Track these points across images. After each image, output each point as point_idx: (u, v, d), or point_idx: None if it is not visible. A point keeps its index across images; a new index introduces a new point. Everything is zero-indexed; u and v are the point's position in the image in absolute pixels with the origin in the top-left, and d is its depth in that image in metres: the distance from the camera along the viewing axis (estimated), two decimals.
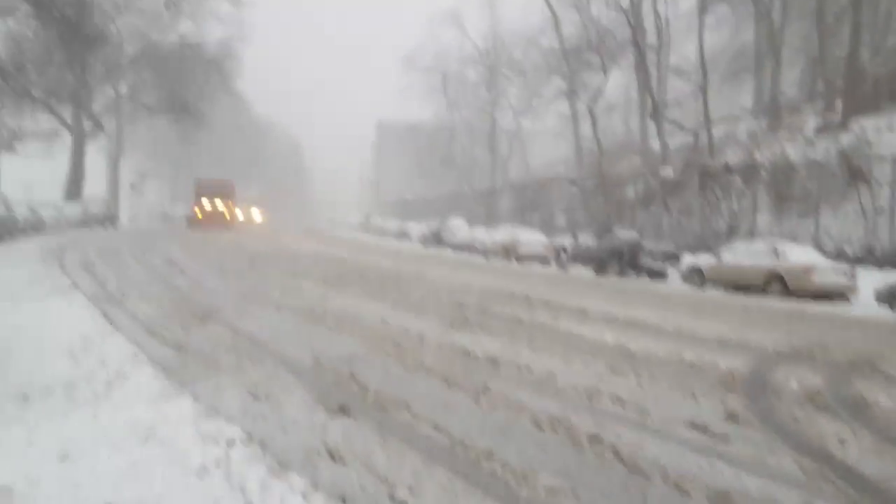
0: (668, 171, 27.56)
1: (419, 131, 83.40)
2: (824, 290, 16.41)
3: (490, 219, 48.54)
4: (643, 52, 43.72)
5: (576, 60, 46.50)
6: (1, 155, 36.83)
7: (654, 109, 37.34)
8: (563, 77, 55.78)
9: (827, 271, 16.51)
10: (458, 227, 37.83)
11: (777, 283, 16.94)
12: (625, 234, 23.52)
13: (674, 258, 21.86)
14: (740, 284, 17.86)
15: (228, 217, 42.97)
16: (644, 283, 19.94)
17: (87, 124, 43.50)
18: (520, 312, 10.06)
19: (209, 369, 6.01)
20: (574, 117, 52.27)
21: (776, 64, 37.11)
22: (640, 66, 45.57)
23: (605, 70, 42.89)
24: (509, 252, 27.86)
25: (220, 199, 42.82)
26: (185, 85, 46.31)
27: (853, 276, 16.56)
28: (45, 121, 39.54)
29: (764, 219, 25.02)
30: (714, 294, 17.16)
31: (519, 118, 65.46)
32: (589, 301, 12.24)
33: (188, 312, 9.01)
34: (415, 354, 6.81)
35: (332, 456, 4.04)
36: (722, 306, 13.62)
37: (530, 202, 45.52)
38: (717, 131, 36.85)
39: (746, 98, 48.86)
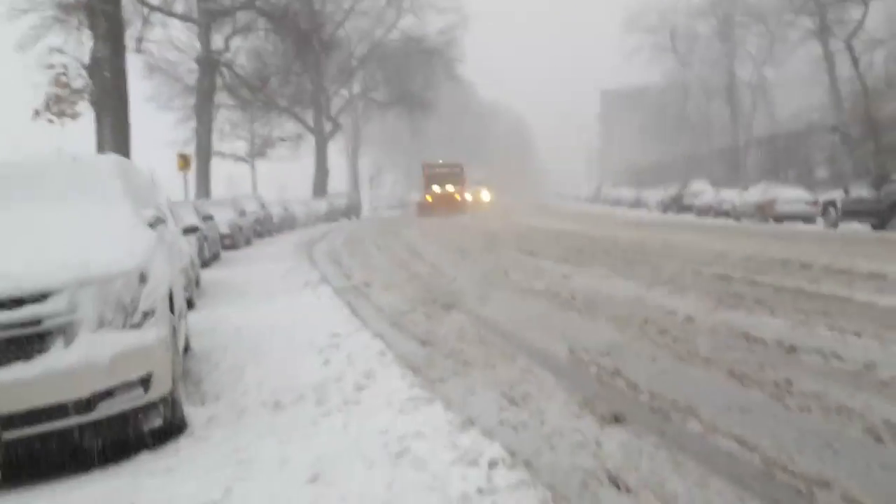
0: None
1: (647, 95, 79.53)
2: None
3: (735, 178, 44.80)
4: None
5: None
6: (256, 161, 40.46)
7: None
8: (810, 15, 49.98)
9: None
10: (701, 190, 35.17)
11: None
12: None
13: None
14: None
15: (459, 200, 41.58)
16: None
17: (327, 125, 46.54)
18: (801, 283, 8.53)
19: (458, 366, 5.45)
20: (828, 59, 46.51)
21: None
22: None
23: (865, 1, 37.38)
24: (765, 211, 25.19)
25: (450, 182, 41.70)
26: (411, 77, 47.86)
27: None
28: (290, 127, 42.91)
29: None
30: None
31: (761, 68, 59.83)
32: (881, 263, 10.26)
33: (430, 300, 8.67)
34: (686, 342, 5.77)
35: (616, 483, 3.23)
36: None
37: (783, 156, 41.30)
38: None
39: None
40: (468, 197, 42.72)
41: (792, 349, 5.31)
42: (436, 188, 41.05)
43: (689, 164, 60.39)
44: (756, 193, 26.73)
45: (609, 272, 10.58)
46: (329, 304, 8.70)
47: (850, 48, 35.81)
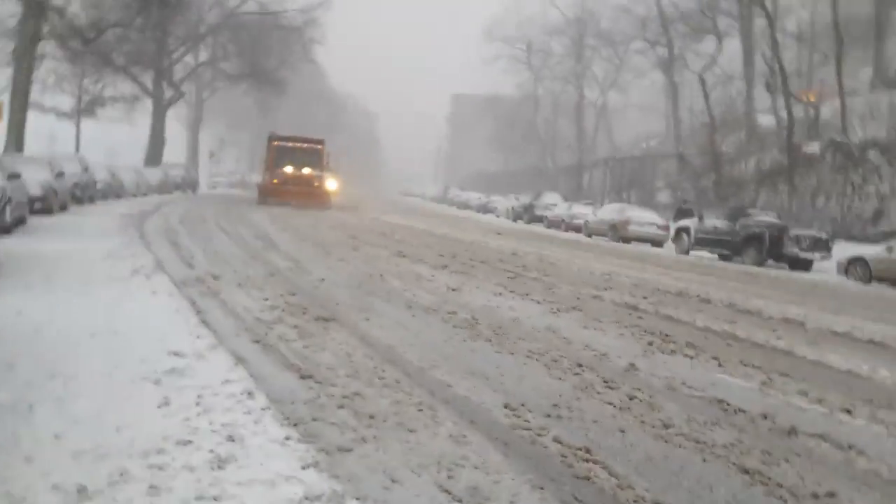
0: (812, 147, 24.35)
1: (498, 103, 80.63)
2: None
3: (579, 194, 45.80)
4: (750, 15, 40.04)
5: (683, 27, 42.97)
6: (82, 120, 36.03)
7: (777, 79, 33.63)
8: (657, 46, 52.23)
9: None
10: (553, 203, 35.30)
11: None
12: (764, 216, 20.66)
13: (824, 246, 18.93)
14: None
15: (318, 188, 29.49)
16: (796, 275, 17.20)
17: (167, 91, 42.53)
18: (721, 324, 7.67)
19: (361, 424, 3.86)
20: (672, 89, 48.72)
21: None
22: (748, 32, 41.92)
23: (719, 36, 39.25)
24: (618, 231, 25.26)
25: (307, 164, 29.39)
26: (266, 53, 44.82)
27: None
28: (125, 87, 38.64)
29: None
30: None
31: (606, 91, 62.11)
32: (777, 304, 9.77)
33: (300, 307, 6.97)
34: (650, 406, 4.52)
35: None
36: None
37: (628, 178, 42.58)
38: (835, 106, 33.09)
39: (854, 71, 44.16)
40: (331, 186, 30.55)
41: (792, 431, 4.17)
42: (288, 169, 28.83)
43: (534, 176, 61.60)
44: (610, 213, 26.86)
45: (499, 288, 9.32)
46: (168, 302, 6.73)
47: (702, 81, 37.31)
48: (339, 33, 54.44)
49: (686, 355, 6.01)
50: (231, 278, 8.59)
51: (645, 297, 9.32)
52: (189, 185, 41.25)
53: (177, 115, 51.73)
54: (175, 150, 48.49)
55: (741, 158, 34.32)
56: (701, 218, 21.84)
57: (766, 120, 42.04)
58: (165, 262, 9.57)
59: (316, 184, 29.31)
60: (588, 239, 25.80)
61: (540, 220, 34.29)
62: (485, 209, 47.48)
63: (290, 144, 30.15)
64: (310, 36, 46.94)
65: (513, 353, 5.71)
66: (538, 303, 8.35)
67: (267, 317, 6.51)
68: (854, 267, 16.62)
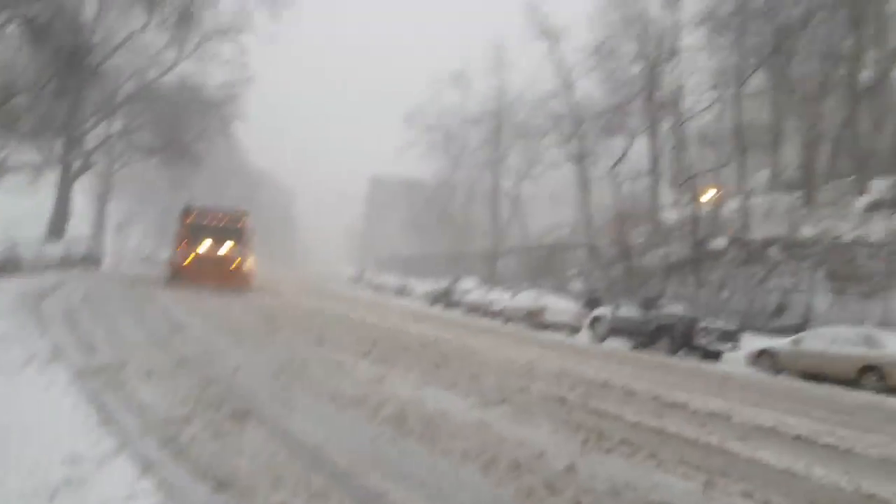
0: (719, 242, 25.41)
1: (415, 188, 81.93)
2: None
3: (493, 279, 46.24)
4: (656, 116, 42.40)
5: (594, 124, 44.99)
6: None
7: (682, 177, 35.42)
8: (568, 141, 54.49)
9: None
10: (470, 288, 35.39)
11: (873, 375, 14.60)
12: (674, 307, 21.20)
13: (732, 338, 19.47)
14: (825, 374, 15.51)
15: (236, 270, 26.47)
16: (708, 366, 17.52)
17: (76, 161, 41.01)
18: (651, 419, 7.58)
19: None
20: (583, 182, 50.61)
21: (813, 139, 35.32)
22: (655, 132, 44.27)
23: (631, 135, 41.17)
24: (535, 318, 25.41)
25: (227, 239, 26.52)
26: (183, 126, 44.11)
27: None
28: (31, 154, 37.04)
29: (821, 300, 22.80)
30: (810, 386, 14.71)
31: (521, 181, 63.95)
32: (700, 396, 9.81)
33: (214, 401, 6.47)
34: None
35: None
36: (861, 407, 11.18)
37: (542, 266, 43.34)
38: (736, 204, 35.02)
39: (752, 173, 47.13)
40: (249, 266, 27.46)
41: None
42: (204, 247, 25.97)
43: (449, 261, 62.12)
44: (527, 300, 27.07)
45: (424, 378, 9.01)
46: (65, 397, 6.11)
47: (613, 176, 38.83)
48: (259, 109, 54.34)
49: (623, 454, 5.83)
50: (137, 367, 7.97)
51: (571, 389, 9.18)
52: (93, 260, 39.42)
53: (84, 186, 49.88)
54: (81, 223, 46.51)
55: (649, 250, 35.57)
56: (616, 307, 22.22)
57: (670, 215, 44.13)
58: (64, 349, 8.84)
59: (234, 265, 26.20)
60: (506, 326, 25.82)
61: (457, 304, 34.26)
62: (402, 292, 47.26)
63: (209, 218, 26.64)
64: (229, 111, 46.65)
65: (447, 454, 5.39)
66: (465, 395, 8.07)
67: (177, 413, 5.99)
68: (763, 358, 17.11)
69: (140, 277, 32.23)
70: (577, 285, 38.08)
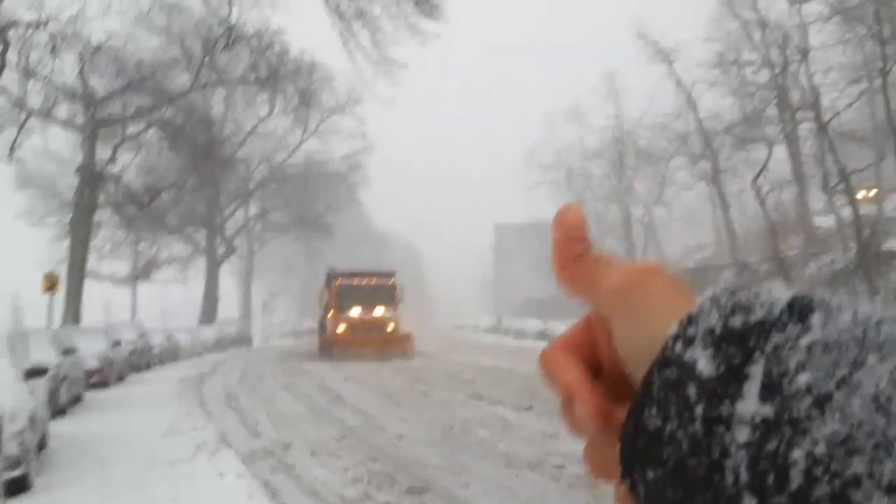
0: (892, 243, 23.09)
1: (542, 229, 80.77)
2: None
3: None
4: (793, 119, 39.92)
5: (725, 138, 42.96)
6: (138, 284, 36.60)
7: (833, 179, 32.83)
8: (698, 160, 52.31)
9: None
10: None
11: None
12: None
13: None
14: None
15: (393, 334, 23.76)
16: None
17: (219, 247, 43.37)
18: None
19: None
20: (722, 200, 48.25)
21: None
22: (793, 138, 41.64)
23: (770, 143, 38.88)
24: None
25: (378, 302, 24.03)
26: (312, 201, 45.94)
27: None
28: (179, 247, 39.53)
29: None
30: None
31: (652, 207, 61.90)
32: None
33: (384, 477, 6.08)
34: None
35: None
36: None
37: (692, 292, 41.20)
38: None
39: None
40: (406, 328, 24.73)
41: None
42: (354, 311, 23.46)
43: None
44: None
45: None
46: (238, 485, 5.89)
47: (756, 189, 36.63)
48: (380, 171, 55.84)
49: None
50: (302, 445, 7.74)
51: None
52: (244, 339, 41.22)
53: (228, 270, 52.71)
54: (228, 305, 48.99)
55: (804, 262, 33.06)
56: None
57: (823, 221, 41.02)
58: (229, 433, 8.79)
59: (391, 328, 23.76)
60: None
61: None
62: (543, 336, 46.31)
63: (356, 281, 24.16)
64: (353, 180, 48.17)
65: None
66: None
67: (351, 493, 5.61)
68: None
69: (291, 351, 33.22)
70: None
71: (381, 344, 22.48)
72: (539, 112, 68.40)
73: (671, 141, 53.45)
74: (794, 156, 40.48)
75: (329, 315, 24.09)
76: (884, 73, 30.10)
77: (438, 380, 15.04)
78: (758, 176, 38.85)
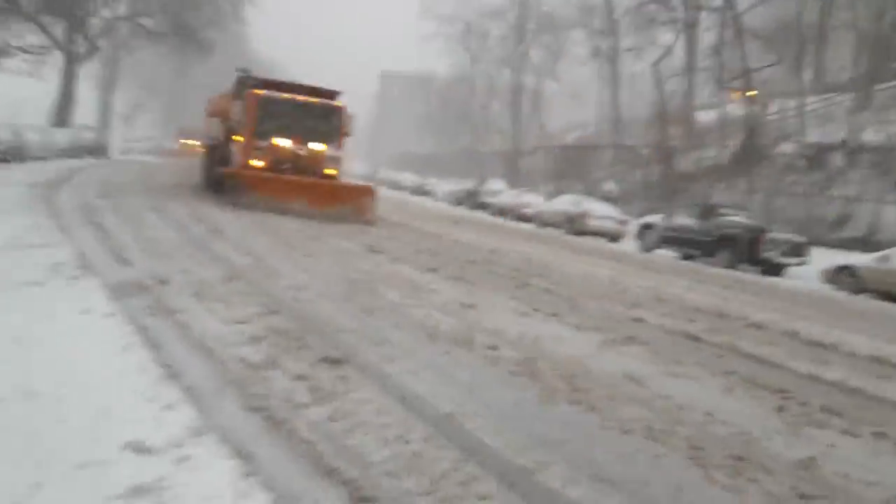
0: (773, 145, 23.46)
1: (429, 84, 78.82)
2: None
3: (516, 181, 44.45)
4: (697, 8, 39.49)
5: (631, 17, 41.97)
6: None
7: (727, 75, 32.97)
8: (600, 35, 51.44)
9: None
10: (499, 190, 33.77)
11: None
12: (736, 216, 19.61)
13: (800, 251, 18.02)
14: None
15: (333, 183, 16.07)
16: (787, 282, 16.21)
17: (81, 45, 38.62)
18: (822, 368, 6.18)
19: None
20: (615, 80, 47.97)
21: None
22: (691, 26, 41.33)
23: (681, 27, 38.31)
24: (574, 224, 23.94)
25: (316, 136, 16.06)
26: (192, 11, 41.42)
27: None
28: (34, 38, 34.71)
29: (891, 211, 21.18)
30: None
31: (543, 78, 61.04)
32: (839, 331, 8.43)
33: (290, 338, 5.06)
34: None
35: None
36: None
37: (568, 168, 41.41)
38: (786, 105, 32.76)
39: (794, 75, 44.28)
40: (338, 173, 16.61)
41: None
42: (282, 141, 15.70)
43: (467, 160, 60.11)
44: (566, 204, 25.49)
45: (519, 304, 7.59)
46: (108, 332, 4.69)
47: (657, 72, 36.40)
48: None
49: (843, 431, 4.42)
50: (183, 283, 6.53)
51: (690, 321, 7.77)
52: (100, 150, 37.67)
53: (88, 74, 47.51)
54: (85, 113, 44.52)
55: (685, 153, 33.66)
56: (669, 215, 20.69)
57: (706, 116, 41.81)
58: (91, 256, 7.37)
59: (333, 172, 16.24)
60: (543, 231, 24.39)
61: (483, 206, 32.75)
62: (420, 191, 45.64)
63: (287, 96, 15.99)
64: None
65: (626, 432, 3.98)
66: (579, 329, 6.66)
67: (254, 357, 4.56)
68: (842, 276, 15.70)
69: (154, 166, 30.55)
70: (609, 188, 36.31)
71: (325, 195, 14.89)
72: None
73: (576, 10, 52.23)
74: (691, 46, 40.46)
75: (236, 140, 16.14)
76: None
77: (322, 225, 13.76)
78: (660, 59, 38.64)
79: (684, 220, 19.93)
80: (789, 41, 35.06)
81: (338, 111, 16.43)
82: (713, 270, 16.78)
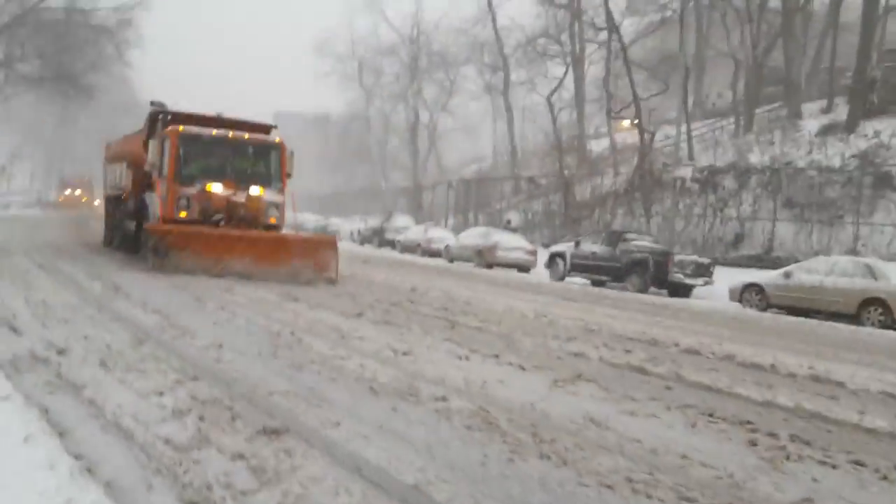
0: (686, 171, 24.32)
1: (324, 123, 78.41)
2: None
3: (420, 216, 44.37)
4: (583, 44, 40.99)
5: (522, 51, 43.00)
6: None
7: (616, 106, 34.19)
8: (487, 70, 52.58)
9: None
10: (405, 225, 33.48)
11: (876, 308, 13.80)
12: (642, 241, 20.03)
13: (706, 272, 18.52)
14: (821, 309, 14.66)
15: (276, 235, 13.48)
16: (702, 304, 16.51)
17: None
18: (767, 392, 6.11)
19: None
20: (509, 113, 48.90)
21: (752, 66, 34.49)
22: (579, 59, 42.78)
23: (568, 60, 39.50)
24: (484, 256, 23.89)
25: (254, 175, 13.63)
26: (73, 55, 39.55)
27: None
28: None
29: (784, 228, 22.15)
30: (805, 322, 13.78)
31: (437, 113, 61.76)
32: (767, 349, 8.48)
33: (219, 407, 4.51)
34: None
35: None
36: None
37: (470, 200, 41.66)
38: (673, 132, 34.17)
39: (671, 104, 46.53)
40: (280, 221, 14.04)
41: None
42: (213, 186, 12.97)
43: (369, 198, 59.76)
44: (475, 237, 25.45)
45: (455, 346, 7.23)
46: (2, 416, 4.01)
47: (550, 103, 37.28)
48: (162, 39, 49.75)
49: (821, 462, 4.26)
50: (84, 351, 5.82)
51: (628, 351, 7.62)
52: None
53: None
54: None
55: (580, 181, 34.46)
56: (577, 243, 20.93)
57: (597, 144, 43.20)
58: None
59: (272, 221, 13.65)
60: (454, 265, 24.23)
61: (391, 244, 32.39)
62: (324, 232, 44.76)
63: (214, 133, 13.44)
64: (124, 37, 42.02)
65: (608, 487, 3.65)
66: (522, 369, 6.37)
67: (181, 435, 3.99)
68: (750, 294, 16.17)
69: (38, 221, 28.60)
70: (511, 218, 36.67)
71: (274, 251, 12.24)
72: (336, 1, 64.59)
73: (467, 48, 53.24)
74: (578, 79, 41.86)
75: (154, 186, 13.45)
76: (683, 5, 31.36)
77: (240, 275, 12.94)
78: (553, 92, 39.69)
79: (593, 247, 20.21)
80: (672, 71, 36.75)
81: (276, 148, 13.93)
82: (627, 295, 16.99)
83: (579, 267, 20.30)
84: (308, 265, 12.27)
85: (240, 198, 13.04)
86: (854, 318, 13.90)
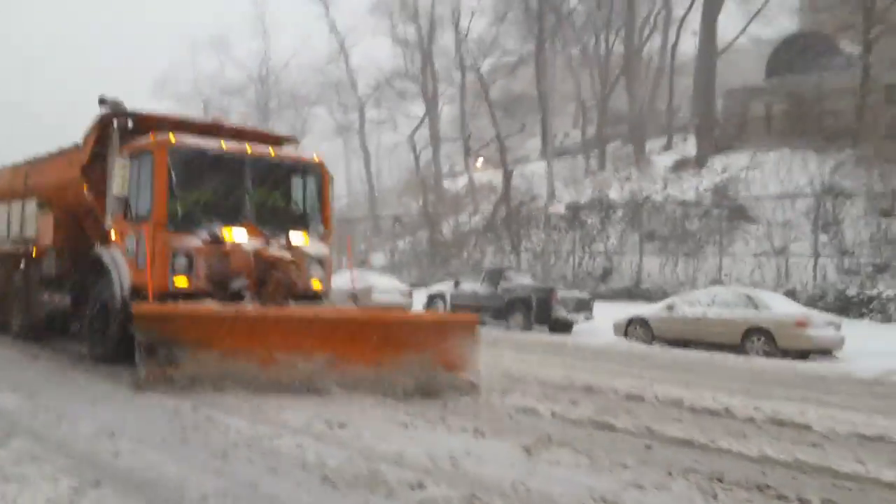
0: (557, 207, 24.53)
1: None
2: (818, 345, 14.02)
3: None
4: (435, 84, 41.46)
5: (389, 90, 42.68)
6: None
7: (475, 145, 34.49)
8: (345, 109, 52.01)
9: (819, 324, 14.11)
10: None
11: (759, 338, 14.20)
12: (523, 278, 19.86)
13: (586, 307, 18.56)
14: (705, 340, 14.92)
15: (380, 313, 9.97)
16: (582, 339, 16.35)
17: None
18: (762, 447, 5.68)
19: None
20: (366, 153, 48.37)
21: (601, 106, 36.12)
22: (433, 100, 43.21)
23: (429, 100, 39.54)
24: (358, 300, 22.83)
25: (282, 222, 8.63)
26: None
27: (840, 328, 14.36)
28: None
29: (650, 261, 22.81)
30: (696, 354, 13.90)
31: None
32: (677, 385, 8.18)
33: None
34: None
35: None
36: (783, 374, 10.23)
37: (334, 242, 40.37)
38: (529, 170, 35.08)
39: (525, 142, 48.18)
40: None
41: None
42: (234, 234, 8.02)
43: None
44: (349, 280, 24.29)
45: (387, 412, 6.31)
46: None
47: (412, 142, 37.08)
48: None
49: None
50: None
51: (574, 403, 7.03)
52: None
53: None
54: None
55: (445, 219, 34.40)
56: (457, 283, 20.46)
57: (453, 183, 43.59)
58: None
59: (316, 285, 8.85)
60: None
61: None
62: None
63: (230, 148, 8.59)
64: None
65: None
66: (482, 436, 5.59)
67: None
68: (634, 327, 16.25)
69: None
70: (375, 259, 35.90)
71: (370, 339, 7.29)
72: (176, 33, 61.90)
73: (319, 86, 52.40)
74: (432, 119, 42.22)
75: (113, 235, 8.75)
76: (539, 42, 32.24)
77: None
78: (414, 131, 39.62)
79: (473, 286, 19.80)
80: (528, 111, 37.78)
81: (316, 170, 9.35)
82: (516, 335, 16.61)
83: (461, 307, 19.76)
84: (425, 360, 7.25)
85: (275, 251, 8.18)
86: (737, 348, 14.20)
